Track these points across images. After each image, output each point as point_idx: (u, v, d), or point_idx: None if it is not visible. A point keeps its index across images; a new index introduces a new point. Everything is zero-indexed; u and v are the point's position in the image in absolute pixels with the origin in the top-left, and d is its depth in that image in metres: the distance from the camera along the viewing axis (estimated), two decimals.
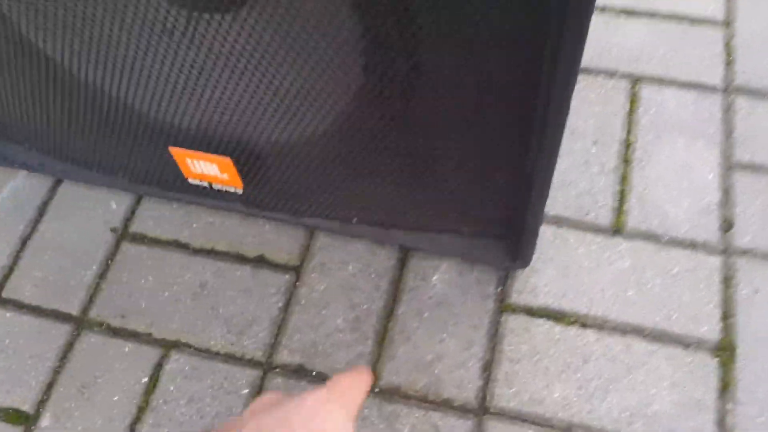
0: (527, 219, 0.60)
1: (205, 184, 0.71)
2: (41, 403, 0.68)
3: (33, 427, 0.66)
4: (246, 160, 0.65)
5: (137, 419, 0.66)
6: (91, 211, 0.78)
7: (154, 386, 0.68)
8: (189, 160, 0.67)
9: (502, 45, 0.46)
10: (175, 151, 0.66)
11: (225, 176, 0.68)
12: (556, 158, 0.54)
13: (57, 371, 0.69)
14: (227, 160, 0.65)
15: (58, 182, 0.81)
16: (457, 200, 0.64)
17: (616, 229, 0.73)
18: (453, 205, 0.65)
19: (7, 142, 0.78)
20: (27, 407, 0.68)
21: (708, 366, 0.65)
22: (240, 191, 0.70)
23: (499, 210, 0.63)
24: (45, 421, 0.67)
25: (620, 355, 0.66)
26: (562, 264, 0.71)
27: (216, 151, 0.65)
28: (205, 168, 0.68)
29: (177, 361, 0.69)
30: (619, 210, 0.74)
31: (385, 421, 0.65)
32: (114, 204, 0.79)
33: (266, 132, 0.61)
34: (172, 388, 0.68)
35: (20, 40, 0.60)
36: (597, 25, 0.87)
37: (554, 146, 0.54)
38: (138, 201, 0.79)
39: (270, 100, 0.56)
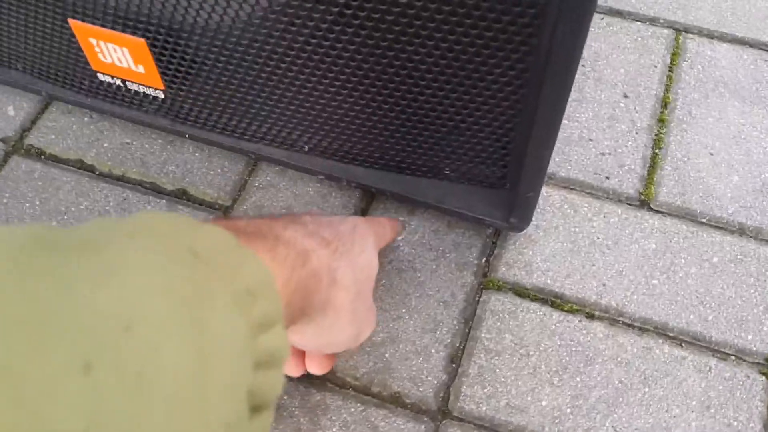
0: (527, 158, 0.43)
1: (118, 81, 0.54)
2: None
3: None
4: (165, 45, 0.48)
5: None
6: None
7: None
8: (94, 42, 0.51)
9: None
10: (77, 27, 0.50)
11: (140, 69, 0.52)
12: (573, 70, 0.38)
13: None
14: (141, 43, 0.49)
15: None
16: (438, 127, 0.47)
17: (644, 201, 0.56)
18: (432, 133, 0.48)
19: None
20: None
21: (753, 384, 0.48)
22: (161, 95, 0.54)
23: (493, 143, 0.46)
24: None
25: (636, 359, 0.49)
26: (570, 236, 0.54)
27: (129, 28, 0.49)
28: (116, 55, 0.51)
29: None
30: (650, 178, 0.57)
31: (308, 413, 0.47)
32: (12, 110, 0.62)
33: (186, 4, 0.44)
34: None
35: None
36: None
37: (572, 51, 0.37)
38: (43, 109, 0.62)
39: None
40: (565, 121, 0.59)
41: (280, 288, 0.29)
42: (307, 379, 0.48)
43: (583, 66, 0.63)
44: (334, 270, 0.36)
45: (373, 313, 0.44)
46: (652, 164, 0.58)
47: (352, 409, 0.47)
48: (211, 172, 0.58)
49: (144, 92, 0.54)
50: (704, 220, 0.55)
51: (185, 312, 0.22)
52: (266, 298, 0.27)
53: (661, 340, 0.50)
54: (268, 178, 0.58)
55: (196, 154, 0.60)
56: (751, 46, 0.65)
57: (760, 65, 0.64)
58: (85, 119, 0.62)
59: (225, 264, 0.25)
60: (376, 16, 0.39)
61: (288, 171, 0.58)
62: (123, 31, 0.49)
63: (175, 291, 0.23)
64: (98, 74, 0.55)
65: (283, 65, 0.46)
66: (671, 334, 0.50)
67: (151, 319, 0.21)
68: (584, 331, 0.50)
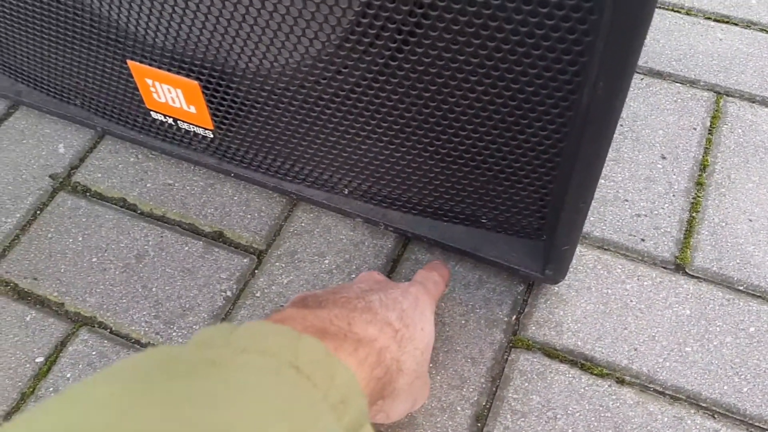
0: (565, 211, 0.43)
1: (170, 120, 0.56)
2: None
3: None
4: (217, 89, 0.50)
5: (16, 407, 0.50)
6: (33, 151, 0.65)
7: (49, 369, 0.52)
8: (150, 82, 0.53)
9: None
10: (135, 68, 0.52)
11: (192, 110, 0.54)
12: (612, 128, 0.38)
13: None
14: (194, 85, 0.51)
15: (5, 116, 0.67)
16: (478, 177, 0.48)
17: (679, 265, 0.55)
18: (472, 182, 0.48)
19: None
20: None
21: None
22: (210, 135, 0.56)
23: (532, 195, 0.47)
24: None
25: (666, 429, 0.48)
26: (602, 298, 0.54)
27: (185, 71, 0.51)
28: (169, 95, 0.53)
29: (85, 343, 0.53)
30: (686, 242, 0.56)
31: None
32: (62, 147, 0.65)
33: (240, 51, 0.46)
34: (69, 375, 0.52)
35: None
36: (682, 27, 0.71)
37: (611, 109, 0.37)
38: (91, 148, 0.65)
39: (252, 8, 0.42)
40: (601, 181, 0.59)
41: (362, 388, 0.34)
42: None
43: (621, 126, 0.63)
44: (401, 362, 0.40)
45: (428, 385, 0.47)
46: (689, 228, 0.57)
47: None
48: (248, 216, 0.60)
49: (194, 131, 0.56)
50: (741, 288, 0.54)
51: (294, 427, 0.27)
52: (355, 403, 0.31)
53: (693, 411, 0.48)
54: (302, 224, 0.59)
55: (235, 198, 0.61)
56: None
57: None
58: (131, 159, 0.64)
59: (322, 376, 0.30)
60: (420, 68, 0.41)
61: (322, 218, 0.59)
62: (178, 73, 0.51)
63: (286, 412, 0.27)
64: (152, 112, 0.57)
65: (328, 111, 0.48)
66: (704, 405, 0.49)
67: None
68: (614, 397, 0.49)
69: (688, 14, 0.73)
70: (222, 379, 0.27)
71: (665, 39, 0.70)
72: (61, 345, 0.53)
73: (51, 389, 0.51)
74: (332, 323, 0.37)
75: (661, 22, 0.71)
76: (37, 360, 0.53)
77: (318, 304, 0.40)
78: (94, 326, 0.54)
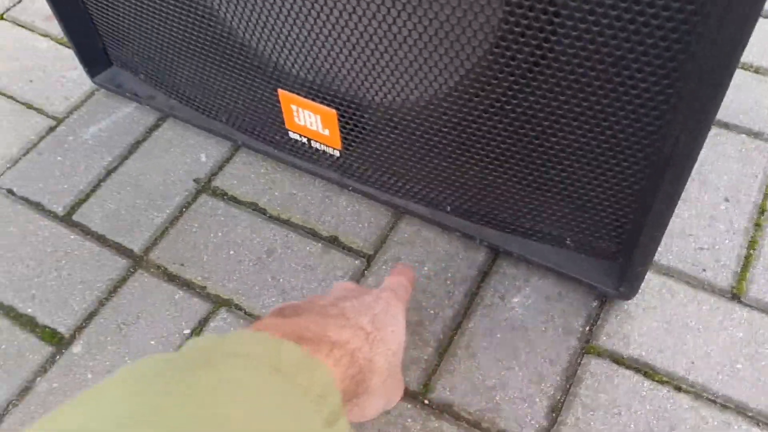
0: (641, 238, 0.52)
1: (304, 139, 0.67)
2: (78, 330, 0.64)
3: (64, 351, 0.63)
4: (351, 117, 0.61)
5: None
6: (179, 158, 0.77)
7: None
8: (294, 108, 0.64)
9: (646, 22, 0.40)
10: (283, 95, 0.63)
11: (326, 132, 0.65)
12: (687, 173, 0.47)
13: (102, 302, 0.66)
14: (332, 113, 0.62)
15: (155, 126, 0.80)
16: (567, 204, 0.57)
17: (735, 294, 0.63)
18: (562, 208, 0.58)
19: (123, 69, 0.78)
20: (63, 330, 0.64)
21: None
22: (337, 153, 0.66)
23: (612, 223, 0.56)
24: (77, 347, 0.63)
25: (716, 431, 0.56)
26: (665, 317, 0.62)
27: (325, 101, 0.61)
28: (309, 120, 0.64)
29: (224, 320, 0.64)
30: (742, 275, 0.64)
31: None
32: (204, 157, 0.77)
33: (378, 88, 0.57)
34: None
35: None
36: (750, 84, 0.79)
37: (688, 158, 0.46)
38: (228, 159, 0.76)
39: (392, 52, 0.52)
40: None
41: (338, 385, 0.38)
42: (429, 407, 0.58)
43: None
44: (372, 362, 0.43)
45: (401, 384, 0.52)
46: (746, 263, 0.65)
47: None
48: (360, 225, 0.70)
49: (324, 150, 0.67)
50: None
51: (281, 417, 0.31)
52: (332, 398, 0.35)
53: (740, 418, 0.56)
54: (405, 235, 0.69)
55: (348, 208, 0.71)
56: None
57: None
58: (261, 170, 0.75)
59: (302, 376, 0.34)
60: (529, 109, 0.50)
61: (422, 231, 0.69)
62: (321, 102, 0.62)
63: (274, 404, 0.31)
64: (289, 132, 0.68)
65: (441, 137, 0.58)
66: (750, 414, 0.57)
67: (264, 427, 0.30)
68: (671, 401, 0.57)
69: (756, 72, 0.81)
70: (216, 376, 0.31)
71: (734, 94, 0.78)
72: (204, 321, 0.65)
73: None
74: (308, 329, 0.40)
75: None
76: (185, 332, 0.64)
77: (295, 312, 0.44)
78: (231, 307, 0.65)
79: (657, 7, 0.40)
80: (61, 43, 0.88)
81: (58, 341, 0.64)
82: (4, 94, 0.83)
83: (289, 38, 0.57)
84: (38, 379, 0.62)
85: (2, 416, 0.60)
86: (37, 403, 0.60)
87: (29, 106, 0.82)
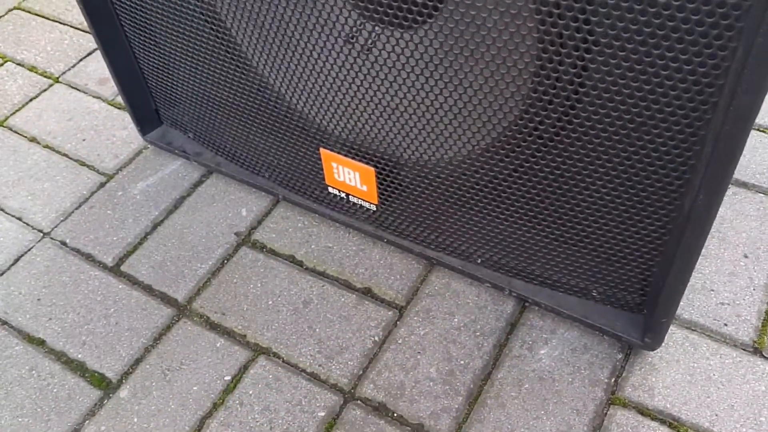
0: (663, 291, 0.55)
1: (342, 194, 0.72)
2: (125, 375, 0.68)
3: (111, 395, 0.66)
4: (389, 174, 0.65)
5: (209, 414, 0.65)
6: (221, 212, 0.81)
7: (235, 386, 0.66)
8: (335, 165, 0.68)
9: (670, 88, 0.44)
10: (325, 154, 0.68)
11: (364, 188, 0.69)
12: (707, 229, 0.50)
13: (148, 349, 0.70)
14: (371, 171, 0.66)
15: (199, 182, 0.85)
16: (593, 257, 0.60)
17: (756, 349, 0.65)
18: (588, 261, 0.61)
19: (174, 128, 0.83)
20: (111, 375, 0.68)
21: None
22: (373, 207, 0.70)
23: (637, 276, 0.59)
24: (124, 392, 0.67)
25: None
26: (689, 370, 0.64)
27: (363, 160, 0.66)
28: (348, 176, 0.69)
29: (263, 368, 0.67)
30: (763, 329, 0.66)
31: None
32: (244, 211, 0.81)
33: (415, 148, 0.61)
34: (251, 392, 0.66)
35: (199, 23, 0.66)
36: (765, 144, 0.83)
37: (707, 215, 0.50)
38: (267, 213, 0.81)
39: (428, 115, 0.57)
40: None
41: None
42: None
43: None
44: None
45: None
46: (766, 318, 0.67)
47: None
48: (392, 277, 0.74)
49: (360, 204, 0.71)
50: None
51: None
52: None
53: None
54: (435, 287, 0.72)
55: (381, 261, 0.75)
56: None
57: None
58: (299, 224, 0.79)
59: None
60: (547, 170, 0.54)
61: (452, 284, 0.72)
62: (360, 160, 0.66)
63: None
64: (329, 187, 0.72)
65: (473, 195, 0.62)
66: None
67: None
68: None
69: None
70: None
71: (751, 155, 0.81)
72: (244, 368, 0.68)
73: (237, 402, 0.65)
74: None
75: (748, 140, 0.83)
76: (225, 378, 0.67)
77: None
78: (270, 355, 0.68)
79: (674, 80, 0.44)
80: (111, 105, 0.95)
81: (106, 386, 0.67)
82: (58, 152, 0.89)
83: (333, 102, 0.62)
84: (87, 422, 0.65)
85: None
86: None
87: (82, 163, 0.87)
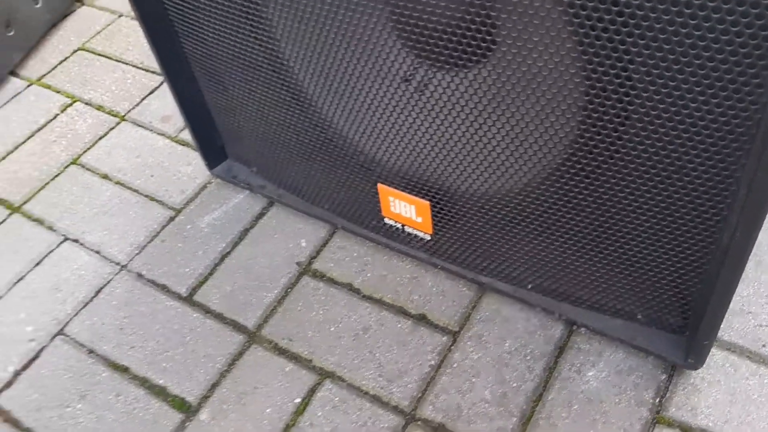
0: (706, 315, 0.60)
1: (398, 225, 0.77)
2: (204, 399, 0.74)
3: (192, 418, 0.73)
4: (443, 207, 0.71)
5: None
6: (282, 243, 0.87)
7: (304, 408, 0.72)
8: (391, 199, 0.74)
9: (706, 135, 0.49)
10: (382, 188, 0.74)
11: (419, 219, 0.74)
12: (745, 261, 0.54)
13: (223, 374, 0.76)
14: (426, 205, 0.71)
15: (261, 214, 0.91)
16: (638, 283, 0.65)
17: None
18: (633, 287, 0.66)
19: (239, 163, 0.90)
20: (191, 399, 0.74)
21: None
22: (428, 237, 0.76)
23: (679, 299, 0.63)
24: (203, 415, 0.73)
25: None
26: (729, 390, 0.68)
27: (419, 194, 0.71)
28: (403, 209, 0.74)
29: (329, 390, 0.73)
30: None
31: None
32: (304, 242, 0.87)
33: (470, 183, 0.66)
34: (319, 413, 0.71)
35: (265, 63, 0.72)
36: None
37: (744, 251, 0.54)
38: (325, 244, 0.86)
39: (482, 152, 0.62)
40: None
41: None
42: None
43: None
44: None
45: None
46: None
47: None
48: (445, 304, 0.79)
49: (415, 234, 0.77)
50: None
51: None
52: None
53: None
54: (486, 313, 0.77)
55: (434, 288, 0.80)
56: None
57: None
58: (354, 254, 0.85)
59: None
60: (600, 201, 0.59)
61: (502, 309, 0.77)
62: (416, 195, 0.71)
63: None
64: (385, 219, 0.78)
65: (526, 224, 0.67)
66: None
67: None
68: None
69: None
70: None
71: None
72: (311, 391, 0.74)
73: (308, 423, 0.71)
74: None
75: None
76: (296, 400, 0.73)
77: None
78: (335, 379, 0.74)
79: (710, 129, 0.48)
80: (175, 141, 1.01)
81: (186, 409, 0.74)
82: (129, 188, 0.96)
83: (390, 139, 0.68)
84: None
85: None
86: None
87: (151, 198, 0.94)
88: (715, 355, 0.71)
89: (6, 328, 0.82)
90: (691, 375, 0.70)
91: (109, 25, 1.23)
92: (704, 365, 0.69)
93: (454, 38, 0.55)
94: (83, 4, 1.29)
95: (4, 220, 0.94)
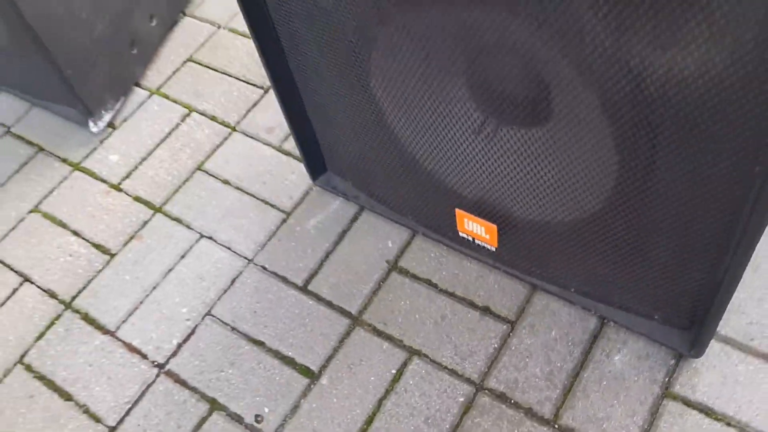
0: (709, 317, 0.82)
1: (470, 238, 0.99)
2: (323, 368, 0.99)
3: (316, 382, 0.98)
4: (507, 230, 0.93)
5: (384, 396, 0.95)
6: (373, 244, 1.10)
7: (399, 378, 0.97)
8: (466, 220, 0.96)
9: (720, 177, 0.70)
10: (459, 213, 0.96)
11: (487, 236, 0.96)
12: (742, 274, 0.76)
13: (336, 349, 1.01)
14: (494, 227, 0.94)
15: (355, 218, 1.14)
16: (657, 292, 0.87)
17: None
18: (653, 294, 0.88)
19: (337, 175, 1.12)
20: (314, 368, 0.99)
21: None
22: (493, 249, 0.98)
23: (688, 305, 0.86)
24: (324, 380, 0.98)
25: None
26: (722, 373, 0.91)
27: (488, 219, 0.93)
28: (475, 228, 0.96)
29: (417, 365, 0.97)
30: None
31: None
32: (390, 243, 1.10)
33: (529, 213, 0.88)
34: (411, 382, 0.96)
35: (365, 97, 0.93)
36: None
37: (742, 265, 0.75)
38: (407, 245, 1.09)
39: (537, 190, 0.83)
40: None
41: None
42: (558, 429, 0.89)
43: None
44: None
45: None
46: None
47: None
48: (505, 298, 1.02)
49: (483, 246, 0.99)
50: None
51: None
52: None
53: None
54: (538, 308, 1.00)
55: (496, 286, 1.03)
56: None
57: None
58: (432, 255, 1.08)
59: None
60: (633, 235, 0.81)
61: (550, 304, 1.00)
62: (485, 218, 0.93)
63: None
64: (459, 233, 1.00)
65: (573, 244, 0.89)
66: None
67: None
68: None
69: None
70: None
71: None
72: (404, 365, 0.98)
73: (402, 389, 0.96)
74: None
75: None
76: (392, 371, 0.98)
77: None
78: (421, 356, 0.98)
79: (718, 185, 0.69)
80: (280, 151, 1.24)
81: (311, 375, 0.99)
82: (247, 193, 1.19)
83: (469, 178, 0.89)
84: (302, 400, 0.97)
85: (280, 427, 0.95)
86: (304, 418, 0.95)
87: (266, 203, 1.17)
88: (713, 346, 0.93)
89: (167, 309, 1.08)
90: (694, 361, 0.92)
91: (211, 36, 1.44)
92: (704, 354, 0.92)
93: (517, 106, 0.75)
94: (186, 15, 1.49)
95: (149, 219, 1.18)
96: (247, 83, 1.35)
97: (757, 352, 0.92)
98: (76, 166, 1.28)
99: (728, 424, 0.87)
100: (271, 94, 1.31)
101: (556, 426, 0.90)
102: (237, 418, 0.97)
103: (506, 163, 0.83)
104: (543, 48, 0.65)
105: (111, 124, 1.32)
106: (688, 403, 0.89)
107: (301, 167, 1.19)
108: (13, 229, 1.21)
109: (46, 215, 1.22)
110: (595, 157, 0.73)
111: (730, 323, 0.95)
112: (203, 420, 0.97)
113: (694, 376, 0.91)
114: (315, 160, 1.13)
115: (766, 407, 0.88)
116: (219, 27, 1.45)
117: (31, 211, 1.23)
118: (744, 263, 0.74)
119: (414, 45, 0.75)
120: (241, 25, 1.44)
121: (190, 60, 1.41)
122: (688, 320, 0.89)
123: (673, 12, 0.54)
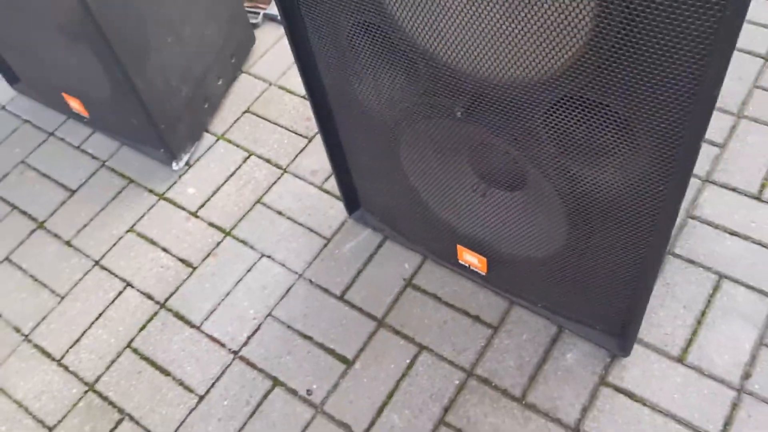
0: (632, 327, 1.19)
1: (467, 265, 1.36)
2: (356, 357, 1.35)
3: (351, 367, 1.34)
4: (494, 261, 1.29)
5: (402, 378, 1.32)
6: (394, 266, 1.47)
7: (412, 365, 1.33)
8: (464, 253, 1.33)
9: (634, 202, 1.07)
10: (459, 247, 1.32)
11: (479, 265, 1.33)
12: (650, 294, 1.12)
13: (365, 343, 1.37)
14: (484, 259, 1.30)
15: (380, 245, 1.50)
16: (599, 308, 1.24)
17: (680, 359, 1.28)
18: (596, 312, 1.25)
19: (368, 212, 1.49)
20: (350, 356, 1.36)
21: None
22: (484, 274, 1.35)
23: (619, 318, 1.22)
24: (357, 366, 1.34)
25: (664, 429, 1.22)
26: (642, 369, 1.28)
27: (480, 252, 1.30)
28: (471, 259, 1.33)
29: (425, 357, 1.34)
30: (686, 349, 1.29)
31: (521, 418, 1.25)
32: (407, 265, 1.46)
33: (511, 250, 1.25)
34: (420, 369, 1.33)
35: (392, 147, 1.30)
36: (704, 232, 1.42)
37: (646, 296, 1.12)
38: (419, 267, 1.46)
39: (518, 233, 1.20)
40: (648, 315, 1.33)
41: None
42: (525, 405, 1.26)
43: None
44: None
45: None
46: (689, 343, 1.29)
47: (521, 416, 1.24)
48: (490, 310, 1.38)
49: (477, 271, 1.36)
50: (706, 374, 1.26)
51: None
52: None
53: (680, 426, 1.22)
54: (514, 318, 1.37)
55: (485, 300, 1.39)
56: None
57: None
58: (438, 275, 1.44)
59: None
60: (576, 275, 1.18)
61: (523, 316, 1.36)
62: (478, 252, 1.30)
63: None
64: (459, 261, 1.37)
65: (542, 274, 1.25)
66: (685, 423, 1.22)
67: None
68: (645, 412, 1.23)
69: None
70: None
71: (698, 241, 1.41)
72: (415, 356, 1.34)
73: (414, 373, 1.32)
74: None
75: (702, 229, 1.43)
76: (406, 361, 1.34)
77: None
78: (428, 350, 1.35)
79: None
80: (321, 190, 1.60)
81: (347, 362, 1.35)
82: (296, 222, 1.55)
83: (467, 223, 1.26)
84: (341, 380, 1.33)
85: (325, 398, 1.31)
86: (343, 393, 1.32)
87: (311, 230, 1.54)
88: (637, 348, 1.30)
89: (238, 310, 1.44)
90: (623, 360, 1.29)
91: (263, 92, 1.80)
92: (630, 355, 1.28)
93: (501, 177, 1.12)
94: (242, 72, 1.85)
95: (221, 241, 1.55)
96: (295, 133, 1.71)
97: (669, 354, 1.29)
98: (161, 196, 1.64)
99: (644, 405, 1.24)
100: (315, 142, 1.67)
101: (524, 402, 1.27)
102: (292, 392, 1.33)
103: (493, 214, 1.20)
104: (516, 150, 1.01)
105: (187, 163, 1.69)
106: (617, 389, 1.26)
107: (339, 203, 1.56)
108: (115, 245, 1.57)
109: (139, 235, 1.58)
110: (553, 217, 1.10)
111: (651, 333, 1.32)
112: (268, 392, 1.33)
113: (622, 370, 1.28)
114: (351, 199, 1.50)
115: (673, 394, 1.25)
116: (270, 84, 1.82)
117: (127, 231, 1.59)
118: (647, 294, 1.11)
119: (431, 136, 1.12)
120: (289, 83, 1.80)
121: (247, 111, 1.77)
122: (619, 329, 1.26)
123: (588, 152, 0.91)
